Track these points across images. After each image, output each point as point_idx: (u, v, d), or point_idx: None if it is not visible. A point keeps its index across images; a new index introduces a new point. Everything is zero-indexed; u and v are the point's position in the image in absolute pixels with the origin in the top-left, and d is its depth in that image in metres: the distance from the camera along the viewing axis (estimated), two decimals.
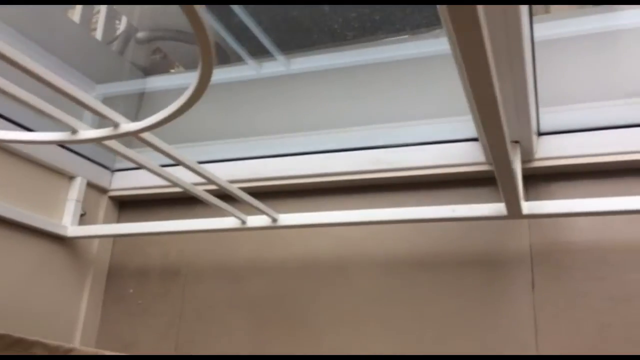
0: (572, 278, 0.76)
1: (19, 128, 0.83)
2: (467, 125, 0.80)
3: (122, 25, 1.16)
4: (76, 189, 0.93)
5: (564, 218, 0.78)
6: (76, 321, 0.94)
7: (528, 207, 0.70)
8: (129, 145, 0.61)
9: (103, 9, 1.12)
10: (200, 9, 0.32)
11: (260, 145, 0.91)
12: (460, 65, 0.45)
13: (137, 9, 1.04)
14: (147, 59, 1.15)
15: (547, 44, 0.84)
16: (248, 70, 0.90)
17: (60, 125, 0.50)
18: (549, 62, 0.83)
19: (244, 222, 0.81)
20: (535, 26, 0.86)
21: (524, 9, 0.48)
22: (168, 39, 1.06)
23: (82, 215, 0.95)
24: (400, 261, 0.84)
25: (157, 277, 0.98)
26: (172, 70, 1.33)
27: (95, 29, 1.16)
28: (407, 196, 0.86)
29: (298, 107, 0.91)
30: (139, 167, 0.62)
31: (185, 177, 0.70)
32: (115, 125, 0.49)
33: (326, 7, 0.77)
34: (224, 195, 0.73)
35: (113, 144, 0.57)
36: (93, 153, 0.97)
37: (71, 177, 0.94)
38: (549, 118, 0.80)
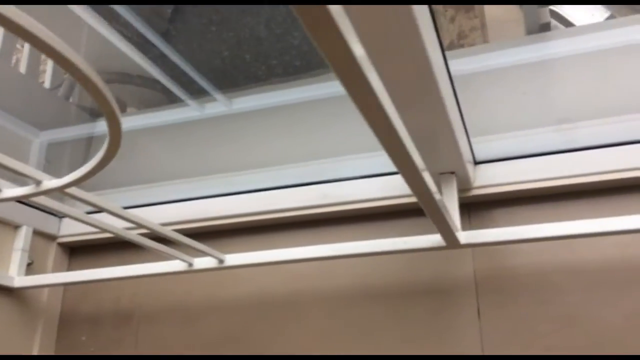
0: (516, 303, 0.77)
1: None
2: None
3: None
4: (22, 238, 0.92)
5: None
6: None
7: (465, 236, 0.71)
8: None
9: None
10: (103, 85, 0.33)
11: (208, 184, 0.92)
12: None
13: (81, 53, 1.04)
14: (94, 102, 1.15)
15: (484, 74, 0.87)
16: (191, 111, 0.91)
17: None
18: (485, 92, 0.86)
19: (190, 265, 0.81)
20: (471, 58, 0.90)
21: (431, 44, 0.49)
22: (114, 81, 1.06)
23: (29, 265, 0.93)
24: (352, 294, 0.85)
25: (109, 323, 0.96)
26: (125, 112, 1.33)
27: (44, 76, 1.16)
28: (355, 229, 0.87)
29: (243, 146, 0.92)
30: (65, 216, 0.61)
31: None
32: (37, 182, 0.49)
33: (261, 45, 0.78)
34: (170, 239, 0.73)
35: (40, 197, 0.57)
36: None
37: (16, 227, 0.93)
38: (486, 147, 0.82)
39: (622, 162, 0.76)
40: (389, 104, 0.37)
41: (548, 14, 0.90)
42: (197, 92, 0.87)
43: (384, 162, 0.79)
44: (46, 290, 0.98)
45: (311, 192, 0.87)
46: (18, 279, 0.90)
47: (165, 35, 0.83)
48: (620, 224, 0.67)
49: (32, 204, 0.95)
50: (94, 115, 1.13)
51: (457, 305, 0.79)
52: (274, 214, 0.88)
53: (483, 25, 1.11)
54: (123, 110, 1.35)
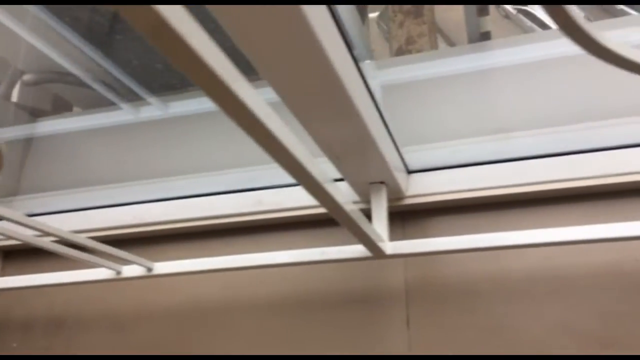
0: (445, 312, 0.77)
1: None
2: None
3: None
4: None
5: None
6: None
7: (392, 247, 0.71)
8: None
9: None
10: None
11: (143, 189, 0.90)
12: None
13: (22, 51, 1.02)
14: (38, 101, 1.12)
15: (423, 82, 0.87)
16: (125, 114, 0.89)
17: None
18: (423, 100, 0.86)
19: (119, 273, 0.79)
20: (414, 66, 0.90)
21: (338, 57, 0.48)
22: (55, 81, 1.04)
23: None
24: (284, 302, 0.84)
25: (41, 330, 0.94)
26: (69, 112, 1.30)
27: None
28: (291, 236, 0.87)
29: (177, 151, 0.90)
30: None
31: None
32: None
33: None
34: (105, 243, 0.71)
35: None
36: None
37: None
38: (420, 156, 0.82)
39: (555, 172, 0.77)
40: (271, 118, 0.35)
41: (489, 23, 0.90)
42: (131, 96, 0.85)
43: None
44: None
45: (246, 198, 0.86)
46: None
47: (99, 38, 0.81)
48: (545, 237, 0.67)
49: None
50: (35, 115, 1.10)
51: (387, 314, 0.79)
52: (208, 220, 0.87)
53: (431, 32, 1.11)
54: (69, 110, 1.33)
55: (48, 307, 0.95)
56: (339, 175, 0.82)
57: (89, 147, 0.97)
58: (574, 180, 0.76)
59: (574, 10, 0.27)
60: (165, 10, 0.24)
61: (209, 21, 0.35)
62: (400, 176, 0.77)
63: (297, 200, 0.85)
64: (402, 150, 0.80)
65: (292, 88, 0.49)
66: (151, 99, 0.84)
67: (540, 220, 0.78)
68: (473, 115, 0.84)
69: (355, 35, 0.71)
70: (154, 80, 0.81)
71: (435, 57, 0.88)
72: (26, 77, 1.06)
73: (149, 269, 0.78)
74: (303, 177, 0.43)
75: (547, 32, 0.85)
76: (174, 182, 0.89)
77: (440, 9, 1.42)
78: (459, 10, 1.16)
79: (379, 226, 0.72)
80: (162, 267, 0.78)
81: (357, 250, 0.71)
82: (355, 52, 0.77)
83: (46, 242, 0.67)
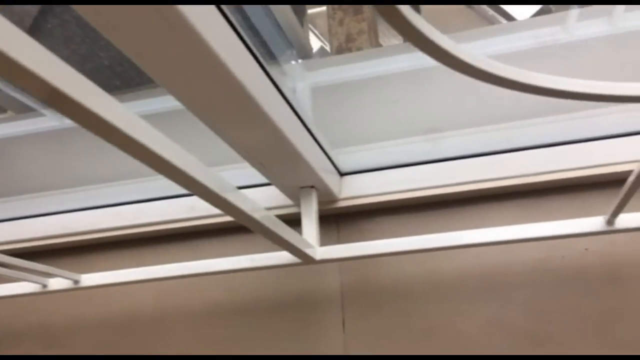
0: (380, 315, 0.77)
1: None
2: None
3: None
4: None
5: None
6: None
7: (322, 252, 0.70)
8: None
9: None
10: None
11: (71, 198, 0.87)
12: None
13: None
14: None
15: (359, 83, 0.86)
16: (49, 121, 0.86)
17: None
18: (357, 101, 0.85)
19: (44, 286, 0.76)
20: (345, 67, 0.88)
21: (238, 62, 0.47)
22: None
23: None
24: (221, 309, 0.82)
25: None
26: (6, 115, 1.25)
27: None
28: (225, 242, 0.85)
29: (108, 157, 0.87)
30: None
31: None
32: None
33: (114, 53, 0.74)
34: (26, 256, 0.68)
35: None
36: None
37: None
38: (353, 157, 0.81)
39: (486, 172, 0.77)
40: (138, 129, 0.33)
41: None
42: None
43: (254, 173, 0.77)
44: None
45: (178, 205, 0.84)
46: None
47: None
48: (476, 237, 0.67)
49: None
50: None
51: (323, 318, 0.78)
52: (139, 228, 0.84)
53: (370, 29, 1.10)
54: (3, 112, 1.27)
55: None
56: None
57: (14, 154, 0.93)
58: (505, 179, 0.76)
59: (407, 10, 0.26)
60: None
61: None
62: (332, 179, 0.76)
63: None
64: (335, 152, 0.79)
65: (189, 95, 0.47)
66: None
67: (473, 219, 0.78)
68: (406, 115, 0.83)
69: (274, 36, 0.70)
70: (93, 79, 0.78)
71: (367, 57, 0.87)
72: None
73: (76, 281, 0.75)
74: (193, 187, 0.41)
75: (476, 31, 0.84)
76: (103, 190, 0.86)
77: None
78: None
79: (309, 231, 0.71)
80: (90, 278, 0.76)
81: (285, 256, 0.70)
82: (280, 54, 0.75)
83: None
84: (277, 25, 0.78)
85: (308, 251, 0.66)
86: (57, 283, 0.76)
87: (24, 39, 0.24)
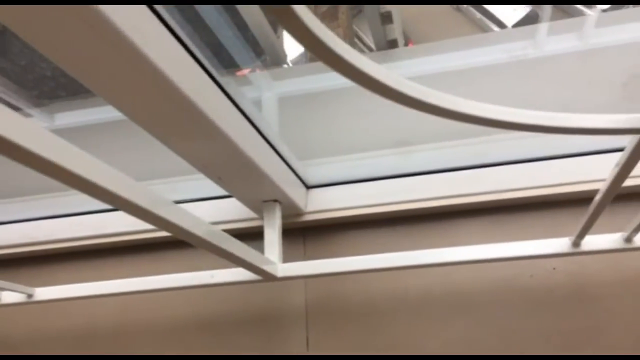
0: (345, 333, 0.75)
1: None
2: None
3: None
4: None
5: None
6: None
7: (284, 269, 0.68)
8: None
9: None
10: None
11: (29, 206, 0.84)
12: None
13: None
14: None
15: (323, 94, 0.83)
16: None
17: None
18: (326, 112, 0.83)
19: None
20: (313, 77, 0.86)
21: (185, 76, 0.45)
22: None
23: None
24: (183, 324, 0.80)
25: None
26: None
27: None
28: (190, 254, 0.82)
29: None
30: None
31: None
32: None
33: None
34: None
35: None
36: None
37: None
38: (321, 170, 0.79)
39: (459, 187, 0.75)
40: (46, 143, 0.31)
41: (395, 31, 0.88)
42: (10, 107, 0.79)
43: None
44: None
45: None
46: None
47: None
48: (443, 256, 0.65)
49: None
50: None
51: (287, 336, 0.76)
52: (102, 238, 0.82)
53: (346, 36, 1.09)
54: None
55: None
56: None
57: None
58: (478, 195, 0.75)
59: (302, 10, 0.23)
60: None
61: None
62: (297, 192, 0.74)
63: (200, 216, 0.81)
64: (302, 164, 0.77)
65: (127, 104, 0.45)
66: (31, 111, 0.78)
67: (442, 235, 0.76)
68: (377, 127, 0.82)
69: (236, 44, 0.68)
70: (36, 90, 0.75)
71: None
72: None
73: (29, 295, 0.73)
74: (116, 202, 0.39)
75: (449, 41, 0.83)
76: (65, 198, 0.84)
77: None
78: None
79: (271, 247, 0.69)
80: (44, 292, 0.73)
81: (246, 273, 0.67)
82: (244, 62, 0.73)
83: None
84: (243, 33, 0.76)
85: (267, 268, 0.64)
86: (10, 297, 0.74)
87: None
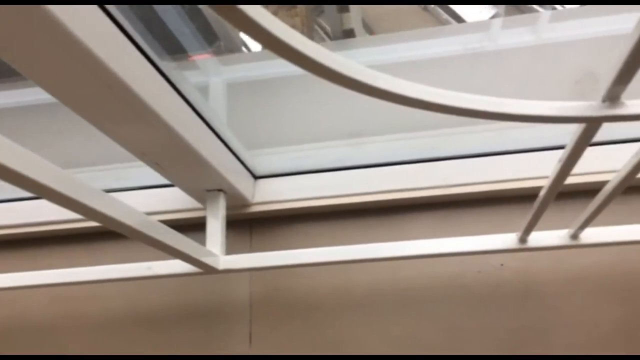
0: (289, 328, 0.73)
1: None
2: None
3: None
4: None
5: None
6: None
7: (225, 261, 0.65)
8: None
9: None
10: None
11: None
12: None
13: None
14: None
15: (274, 81, 0.80)
16: None
17: None
18: (277, 100, 0.80)
19: None
20: (256, 64, 0.83)
21: (121, 59, 0.42)
22: None
23: None
24: (120, 319, 0.76)
25: None
26: None
27: None
28: (127, 244, 0.79)
29: None
30: None
31: None
32: None
33: None
34: None
35: None
36: None
37: None
38: (271, 160, 0.76)
39: (409, 181, 0.74)
40: None
41: (352, 21, 0.86)
42: None
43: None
44: None
45: None
46: None
47: None
48: (391, 251, 0.63)
49: None
50: None
51: (229, 330, 0.73)
52: (36, 226, 0.77)
53: (304, 24, 1.06)
54: None
55: None
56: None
57: None
58: (428, 189, 0.73)
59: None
60: None
61: None
62: (244, 182, 0.71)
63: (142, 205, 0.77)
64: (250, 153, 0.74)
65: (57, 87, 0.41)
66: None
67: (391, 229, 0.75)
68: (329, 118, 0.79)
69: (182, 27, 0.64)
70: None
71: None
72: None
73: None
74: (38, 190, 0.35)
75: (406, 33, 0.81)
76: None
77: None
78: None
79: (213, 238, 0.66)
80: None
81: (186, 265, 0.64)
82: (191, 47, 0.70)
83: None
84: (197, 19, 0.73)
85: (207, 260, 0.61)
86: None
87: None
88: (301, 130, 0.78)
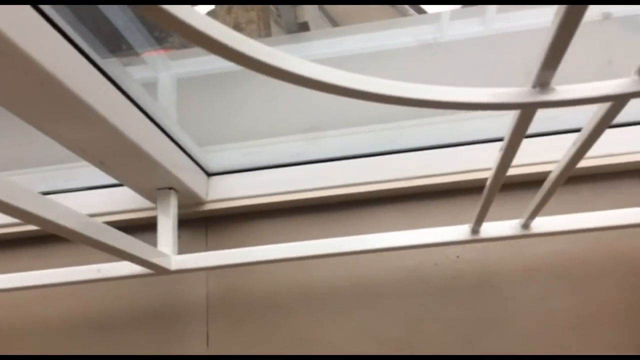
0: (247, 327, 0.71)
1: None
2: None
3: None
4: None
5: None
6: None
7: (177, 261, 0.63)
8: None
9: None
10: None
11: None
12: None
13: None
14: None
15: (225, 76, 0.79)
16: None
17: None
18: (229, 95, 0.79)
19: None
20: (207, 58, 0.81)
21: (54, 54, 0.40)
22: None
23: None
24: (73, 323, 0.74)
25: None
26: None
27: None
28: (80, 248, 0.76)
29: None
30: None
31: None
32: None
33: None
34: None
35: None
36: None
37: None
38: (224, 156, 0.75)
39: (367, 174, 0.73)
40: None
41: (306, 14, 0.85)
42: None
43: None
44: None
45: None
46: None
47: None
48: (349, 245, 0.63)
49: None
50: None
51: (186, 331, 0.72)
52: None
53: (260, 18, 1.05)
54: None
55: None
56: None
57: None
58: (386, 182, 0.73)
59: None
60: None
61: None
62: (196, 180, 0.70)
63: (93, 206, 0.75)
64: (203, 150, 0.72)
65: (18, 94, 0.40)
66: None
67: (349, 224, 0.74)
68: (283, 112, 0.78)
69: (126, 22, 0.63)
70: None
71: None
72: None
73: None
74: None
75: (357, 26, 0.81)
76: None
77: None
78: None
79: (164, 237, 0.65)
80: None
81: (136, 267, 0.62)
82: (137, 42, 0.68)
83: None
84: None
85: (158, 261, 0.59)
86: None
87: None
88: (256, 126, 0.77)
